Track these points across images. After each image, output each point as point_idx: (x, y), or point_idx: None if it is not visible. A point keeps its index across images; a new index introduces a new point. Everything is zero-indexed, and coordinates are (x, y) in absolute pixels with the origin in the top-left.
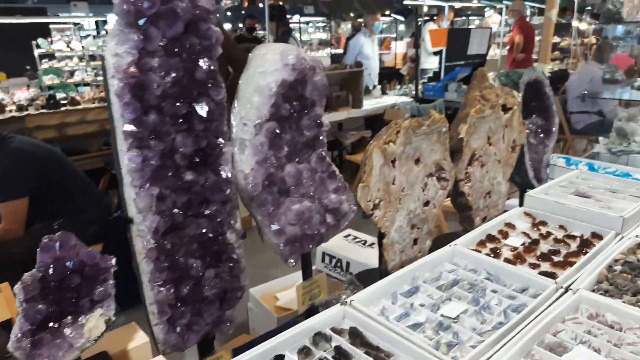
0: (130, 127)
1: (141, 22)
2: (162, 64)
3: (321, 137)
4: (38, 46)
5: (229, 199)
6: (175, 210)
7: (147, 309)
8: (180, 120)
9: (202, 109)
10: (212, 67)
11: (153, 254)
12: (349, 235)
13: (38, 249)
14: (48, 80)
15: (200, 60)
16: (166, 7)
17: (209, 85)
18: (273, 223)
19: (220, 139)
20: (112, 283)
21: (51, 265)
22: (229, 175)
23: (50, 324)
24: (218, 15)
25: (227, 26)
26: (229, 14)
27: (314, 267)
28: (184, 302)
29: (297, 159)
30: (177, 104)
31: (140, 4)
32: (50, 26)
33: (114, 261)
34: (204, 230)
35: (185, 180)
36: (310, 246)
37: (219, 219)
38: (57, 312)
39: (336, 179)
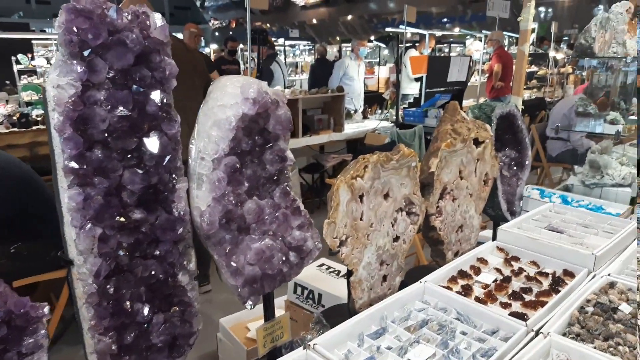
0: (71, 164)
1: (86, 53)
2: (109, 97)
3: (285, 172)
4: (18, 62)
5: (181, 238)
6: (120, 251)
7: (86, 357)
8: (129, 156)
9: (153, 144)
10: (165, 100)
11: (94, 299)
12: (322, 264)
13: None
14: (27, 96)
15: (152, 93)
16: (114, 38)
17: (162, 118)
18: (230, 263)
19: (174, 175)
20: (43, 333)
21: None
22: (182, 213)
23: None
24: (203, 36)
25: (214, 47)
26: (217, 34)
27: (285, 298)
28: (128, 351)
29: (258, 194)
30: (126, 139)
31: (85, 34)
32: (33, 41)
33: (46, 310)
34: (152, 272)
35: (133, 219)
36: (272, 287)
37: (170, 260)
38: None
39: (301, 215)
